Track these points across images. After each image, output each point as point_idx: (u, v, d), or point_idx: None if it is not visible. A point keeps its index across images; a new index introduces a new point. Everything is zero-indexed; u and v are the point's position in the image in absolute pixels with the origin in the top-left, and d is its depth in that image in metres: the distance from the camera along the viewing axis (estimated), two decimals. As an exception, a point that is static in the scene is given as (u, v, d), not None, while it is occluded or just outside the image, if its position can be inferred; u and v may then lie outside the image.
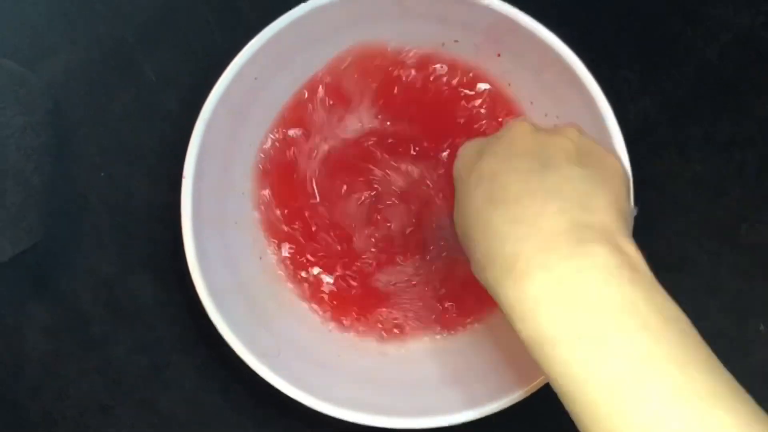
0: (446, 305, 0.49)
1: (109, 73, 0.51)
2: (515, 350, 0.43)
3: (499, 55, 0.47)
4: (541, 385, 0.43)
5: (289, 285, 0.49)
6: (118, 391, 0.50)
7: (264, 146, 0.49)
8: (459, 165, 0.40)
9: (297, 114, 0.49)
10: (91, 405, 0.50)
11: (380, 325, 0.49)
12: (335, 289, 0.49)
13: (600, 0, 0.52)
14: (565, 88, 0.45)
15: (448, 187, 0.48)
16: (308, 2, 0.44)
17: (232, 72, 0.44)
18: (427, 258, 0.49)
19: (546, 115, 0.48)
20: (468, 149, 0.41)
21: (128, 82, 0.51)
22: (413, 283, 0.49)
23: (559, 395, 0.32)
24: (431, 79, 0.48)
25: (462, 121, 0.49)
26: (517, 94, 0.48)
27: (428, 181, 0.49)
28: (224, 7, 0.51)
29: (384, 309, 0.49)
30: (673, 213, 0.51)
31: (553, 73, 0.45)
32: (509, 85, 0.48)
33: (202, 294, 0.44)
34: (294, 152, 0.49)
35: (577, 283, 0.32)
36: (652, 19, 0.52)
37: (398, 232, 0.49)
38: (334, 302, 0.49)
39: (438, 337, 0.49)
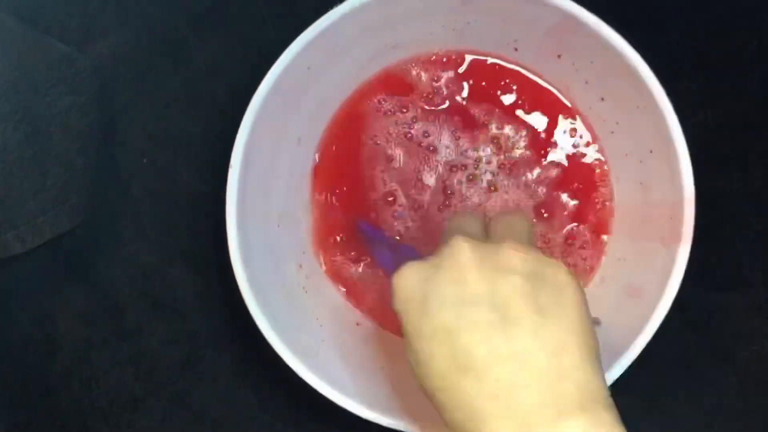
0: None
1: (158, 59, 0.50)
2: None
3: (559, 57, 0.46)
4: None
5: (331, 285, 0.48)
6: (150, 383, 0.49)
7: (315, 141, 0.48)
8: (402, 296, 0.36)
9: (352, 110, 0.48)
10: (121, 396, 0.49)
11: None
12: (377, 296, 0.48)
13: (663, 7, 0.50)
14: (627, 93, 0.43)
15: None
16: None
17: (286, 59, 0.43)
18: None
19: (604, 120, 0.46)
20: (409, 278, 0.36)
21: (177, 69, 0.50)
22: None
23: None
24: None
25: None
26: (577, 97, 0.47)
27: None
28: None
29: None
30: (729, 229, 0.50)
31: (616, 77, 0.43)
32: (568, 88, 0.47)
33: (243, 288, 0.43)
34: (348, 150, 0.48)
35: None
36: (717, 28, 0.50)
37: None
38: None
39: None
